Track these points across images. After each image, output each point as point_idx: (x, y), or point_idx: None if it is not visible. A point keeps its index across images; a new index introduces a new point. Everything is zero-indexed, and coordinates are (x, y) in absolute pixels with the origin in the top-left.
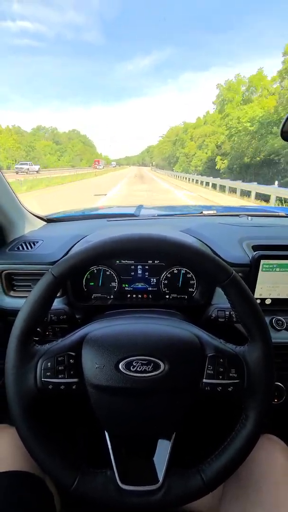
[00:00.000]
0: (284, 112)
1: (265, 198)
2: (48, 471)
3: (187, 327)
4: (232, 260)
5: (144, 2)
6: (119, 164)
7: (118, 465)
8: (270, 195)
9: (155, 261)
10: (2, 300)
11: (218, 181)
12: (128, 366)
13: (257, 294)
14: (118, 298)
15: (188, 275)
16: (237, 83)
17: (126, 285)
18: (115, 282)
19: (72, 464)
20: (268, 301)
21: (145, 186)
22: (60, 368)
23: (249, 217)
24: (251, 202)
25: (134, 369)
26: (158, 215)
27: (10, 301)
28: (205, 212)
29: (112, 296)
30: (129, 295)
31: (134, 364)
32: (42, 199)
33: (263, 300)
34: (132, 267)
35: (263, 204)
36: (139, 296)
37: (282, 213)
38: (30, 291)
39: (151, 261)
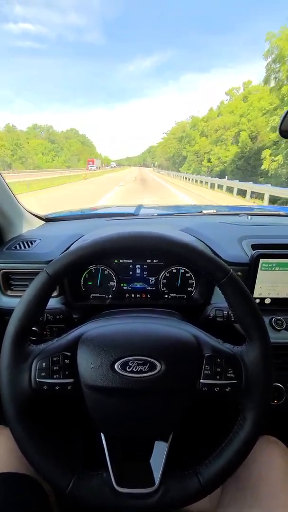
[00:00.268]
0: None
1: None
2: (43, 474)
3: (185, 327)
4: (231, 259)
5: (145, 3)
6: (119, 165)
7: (114, 467)
8: None
9: (154, 261)
10: None
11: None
12: (124, 366)
13: (256, 294)
14: (117, 297)
15: (187, 275)
16: None
17: (125, 285)
18: (114, 282)
19: (67, 466)
20: (267, 301)
21: (149, 197)
22: (55, 368)
23: (249, 216)
24: None
25: (130, 369)
26: (158, 215)
27: (7, 301)
28: (205, 212)
29: (110, 296)
30: (127, 295)
31: (130, 364)
32: None
33: (262, 299)
34: (131, 266)
35: None
36: (138, 295)
37: (282, 212)
38: None
39: (149, 261)
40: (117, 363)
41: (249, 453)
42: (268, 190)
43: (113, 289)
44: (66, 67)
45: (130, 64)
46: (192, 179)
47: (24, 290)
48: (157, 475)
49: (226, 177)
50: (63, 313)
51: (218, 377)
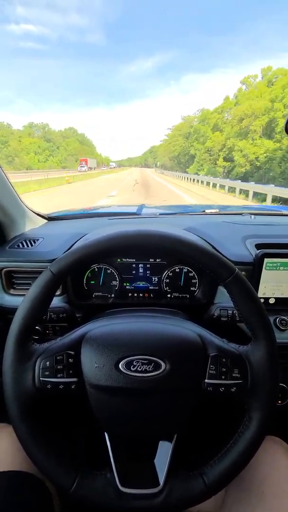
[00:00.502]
0: None
1: None
2: (46, 473)
3: (189, 326)
4: (235, 258)
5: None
6: (120, 165)
7: (118, 467)
8: None
9: (157, 260)
10: (2, 298)
11: None
12: (128, 365)
13: (260, 293)
14: (119, 297)
15: (190, 274)
16: None
17: (128, 284)
18: (116, 281)
19: (71, 466)
20: (271, 301)
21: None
22: (59, 367)
23: (252, 216)
24: None
25: (135, 368)
26: (160, 214)
27: (10, 299)
28: (207, 211)
29: (113, 295)
30: (130, 294)
31: (135, 363)
32: None
33: (266, 299)
34: (134, 265)
35: None
36: (141, 295)
37: (286, 212)
38: None
39: (152, 260)
40: (121, 363)
41: (254, 453)
42: None
43: (116, 288)
44: (67, 67)
45: (131, 64)
46: (217, 185)
47: (27, 288)
48: (161, 476)
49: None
50: (66, 312)
51: (223, 377)
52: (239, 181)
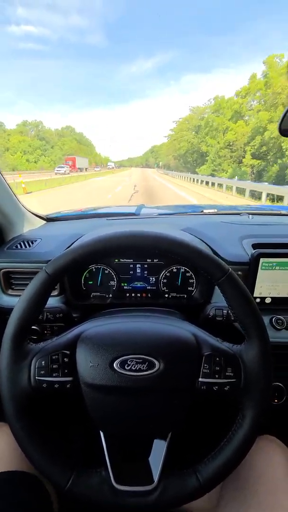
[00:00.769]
0: None
1: None
2: (42, 471)
3: (183, 326)
4: (232, 258)
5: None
6: (119, 166)
7: (113, 465)
8: None
9: (154, 260)
10: (0, 299)
11: None
12: (122, 364)
13: (256, 293)
14: (117, 297)
15: (188, 274)
16: None
17: (125, 284)
18: (114, 281)
19: (66, 464)
20: (268, 300)
21: None
22: (54, 366)
23: (250, 215)
24: None
25: (129, 367)
26: (159, 214)
27: (8, 300)
28: (205, 211)
29: (111, 295)
30: (128, 294)
31: (129, 362)
32: None
33: (262, 299)
34: (131, 265)
35: None
36: (138, 295)
37: (284, 211)
38: None
39: (150, 260)
40: (116, 362)
41: (248, 451)
42: None
43: (114, 288)
44: (68, 68)
45: (132, 65)
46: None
47: (25, 289)
48: (156, 473)
49: None
50: (63, 312)
51: (217, 376)
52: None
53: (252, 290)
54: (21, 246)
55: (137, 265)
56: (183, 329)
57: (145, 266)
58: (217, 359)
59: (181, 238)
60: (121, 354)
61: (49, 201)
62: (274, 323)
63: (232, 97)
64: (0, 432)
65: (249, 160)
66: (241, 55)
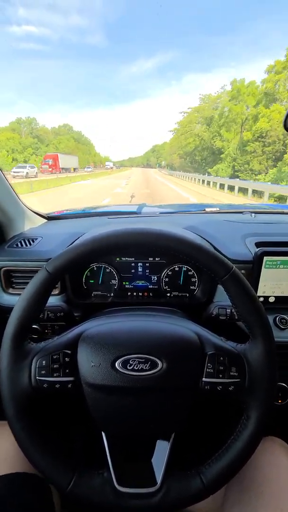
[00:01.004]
0: None
1: None
2: (44, 472)
3: (186, 325)
4: (235, 256)
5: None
6: (120, 166)
7: (115, 466)
8: None
9: (156, 259)
10: (1, 298)
11: None
12: (125, 364)
13: (260, 292)
14: (119, 296)
15: (190, 273)
16: None
17: (127, 283)
18: (116, 280)
19: (68, 465)
20: (271, 299)
21: None
22: (55, 366)
23: (253, 214)
24: None
25: (131, 367)
26: (161, 213)
27: (8, 298)
28: (208, 210)
29: (112, 294)
30: (129, 293)
31: (131, 362)
32: None
33: (266, 298)
34: (133, 264)
35: None
36: (140, 294)
37: (286, 210)
38: None
39: (151, 259)
40: (118, 361)
41: (253, 453)
42: None
43: (115, 287)
44: (68, 68)
45: (132, 65)
46: None
47: (25, 288)
48: (158, 475)
49: None
50: (64, 311)
51: (221, 375)
52: None
53: (255, 289)
54: (21, 245)
55: (139, 264)
56: (186, 328)
57: (147, 264)
58: (221, 358)
59: (182, 235)
60: (123, 354)
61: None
62: (278, 323)
63: (253, 81)
64: (1, 432)
65: None
66: (241, 55)
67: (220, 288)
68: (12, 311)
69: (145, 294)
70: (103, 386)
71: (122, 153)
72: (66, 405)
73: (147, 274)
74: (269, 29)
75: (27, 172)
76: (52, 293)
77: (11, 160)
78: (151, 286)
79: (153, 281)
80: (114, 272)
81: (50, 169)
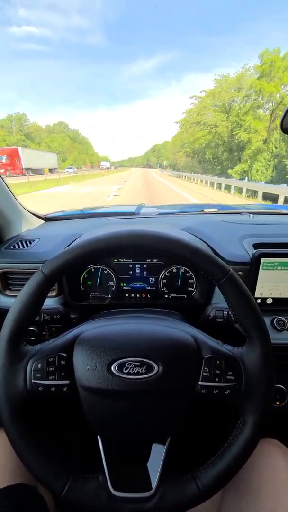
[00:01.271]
0: None
1: None
2: (38, 476)
3: (183, 328)
4: (232, 258)
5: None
6: (117, 166)
7: (111, 470)
8: None
9: (154, 260)
10: None
11: None
12: (120, 367)
13: (257, 294)
14: (116, 297)
15: (188, 274)
16: None
17: (124, 284)
18: (113, 281)
19: (62, 469)
20: (269, 301)
21: None
22: (50, 369)
23: (251, 215)
24: None
25: (127, 371)
26: (159, 214)
27: (5, 301)
28: (206, 210)
29: (110, 296)
30: (127, 295)
31: (127, 365)
32: None
33: (264, 299)
34: (130, 266)
35: None
36: (138, 295)
37: (285, 211)
38: None
39: (149, 260)
40: (113, 365)
41: (248, 457)
42: None
43: (113, 288)
44: (69, 68)
45: (132, 65)
46: None
47: (21, 290)
48: (154, 479)
49: None
50: (61, 313)
51: (217, 379)
52: None
53: (253, 291)
54: (18, 246)
55: (137, 265)
56: (183, 331)
57: (145, 266)
58: (218, 362)
59: (181, 237)
60: (119, 357)
61: None
62: (275, 324)
63: None
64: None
65: None
66: (242, 55)
67: (217, 290)
68: (7, 313)
69: (143, 295)
70: (99, 390)
71: (122, 153)
72: (61, 408)
73: (145, 275)
74: (269, 29)
75: None
76: (49, 295)
77: None
78: (149, 288)
79: (151, 282)
80: (112, 274)
81: (3, 170)
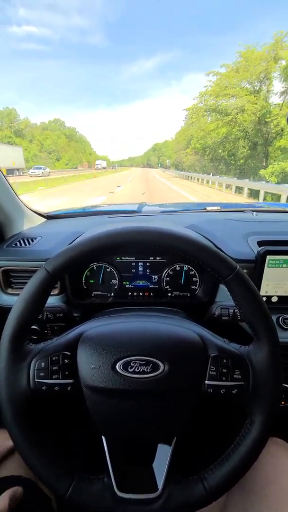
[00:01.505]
0: None
1: None
2: (41, 477)
3: (189, 326)
4: (237, 256)
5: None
6: (117, 165)
7: (116, 471)
8: None
9: (157, 258)
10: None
11: None
12: (125, 366)
13: (263, 292)
14: (119, 296)
15: (191, 272)
16: None
17: (127, 283)
18: (116, 280)
19: (66, 470)
20: (274, 299)
21: None
22: (54, 368)
23: (254, 213)
24: None
25: (132, 369)
26: (161, 212)
27: (7, 299)
28: (209, 208)
29: (112, 294)
30: (130, 293)
31: (132, 364)
32: None
33: (269, 297)
34: (133, 264)
35: None
36: (141, 294)
37: None
38: None
39: (152, 258)
40: (118, 363)
41: (257, 458)
42: None
43: (115, 287)
44: (69, 68)
45: (133, 65)
46: None
47: (24, 288)
48: (160, 480)
49: None
50: (64, 311)
51: (224, 378)
52: None
53: (258, 289)
54: (20, 244)
55: (139, 263)
56: (188, 329)
57: (148, 264)
58: (224, 360)
59: (186, 234)
60: (124, 356)
61: None
62: (281, 323)
63: None
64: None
65: None
66: None
67: (221, 288)
68: (10, 311)
69: (146, 294)
70: (103, 389)
71: (122, 152)
72: (65, 408)
73: (147, 273)
74: (269, 29)
75: None
76: (51, 293)
77: None
78: (151, 286)
79: (153, 280)
80: (114, 272)
81: None
